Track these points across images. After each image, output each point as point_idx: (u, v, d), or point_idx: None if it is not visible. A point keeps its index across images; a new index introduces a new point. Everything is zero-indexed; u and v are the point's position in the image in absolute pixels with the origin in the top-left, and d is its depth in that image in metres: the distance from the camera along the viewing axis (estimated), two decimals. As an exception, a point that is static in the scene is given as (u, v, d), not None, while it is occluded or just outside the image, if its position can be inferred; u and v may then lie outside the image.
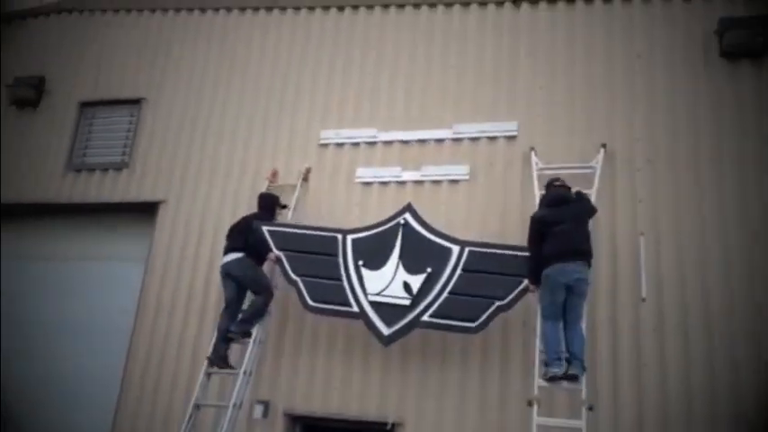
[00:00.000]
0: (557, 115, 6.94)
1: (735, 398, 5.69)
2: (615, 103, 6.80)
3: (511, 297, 5.96)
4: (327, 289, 6.37)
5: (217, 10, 8.72)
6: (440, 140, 7.08)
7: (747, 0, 6.76)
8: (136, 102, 8.62)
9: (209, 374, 6.58)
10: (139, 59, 8.82)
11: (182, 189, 7.95)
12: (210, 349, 6.59)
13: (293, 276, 6.52)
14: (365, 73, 7.77)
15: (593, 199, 6.21)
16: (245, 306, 6.64)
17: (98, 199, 8.24)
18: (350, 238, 6.53)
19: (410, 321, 6.12)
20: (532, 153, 6.73)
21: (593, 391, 5.75)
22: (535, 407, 5.50)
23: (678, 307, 6.01)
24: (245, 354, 6.53)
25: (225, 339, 6.47)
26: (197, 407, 6.41)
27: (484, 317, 5.96)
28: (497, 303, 5.96)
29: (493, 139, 7.02)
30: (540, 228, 5.79)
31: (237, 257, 6.56)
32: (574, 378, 5.47)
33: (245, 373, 6.39)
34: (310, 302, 6.40)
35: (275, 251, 6.60)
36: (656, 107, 6.68)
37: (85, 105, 8.85)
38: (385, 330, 6.14)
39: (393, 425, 6.30)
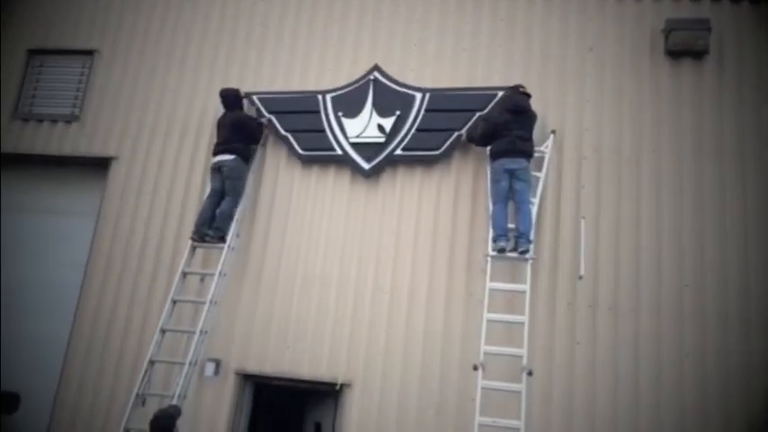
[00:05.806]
0: (512, 99, 7.22)
1: (656, 372, 6.23)
2: (567, 92, 7.12)
3: (468, 126, 6.96)
4: (314, 139, 7.32)
5: (176, -35, 8.51)
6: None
7: (693, 2, 7.20)
8: (88, 53, 8.40)
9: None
10: (94, 9, 8.57)
11: (135, 146, 7.88)
12: (193, 228, 7.08)
13: (283, 132, 7.41)
14: (314, 36, 7.88)
15: (541, 181, 6.70)
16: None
17: (46, 151, 8.06)
18: (329, 96, 7.46)
19: (386, 156, 7.11)
20: (487, 134, 7.03)
21: (532, 358, 6.18)
22: (480, 371, 5.93)
23: (612, 285, 6.51)
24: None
25: (204, 224, 7.00)
26: (152, 363, 6.51)
27: (446, 145, 6.98)
28: (456, 133, 6.96)
29: (452, 117, 7.28)
30: (494, 129, 6.60)
31: (233, 158, 7.12)
32: (525, 252, 6.35)
33: (201, 332, 6.52)
34: (301, 152, 7.32)
35: (266, 114, 7.45)
36: (604, 99, 7.04)
37: (34, 53, 8.56)
38: (365, 165, 7.12)
39: (342, 385, 6.61)
